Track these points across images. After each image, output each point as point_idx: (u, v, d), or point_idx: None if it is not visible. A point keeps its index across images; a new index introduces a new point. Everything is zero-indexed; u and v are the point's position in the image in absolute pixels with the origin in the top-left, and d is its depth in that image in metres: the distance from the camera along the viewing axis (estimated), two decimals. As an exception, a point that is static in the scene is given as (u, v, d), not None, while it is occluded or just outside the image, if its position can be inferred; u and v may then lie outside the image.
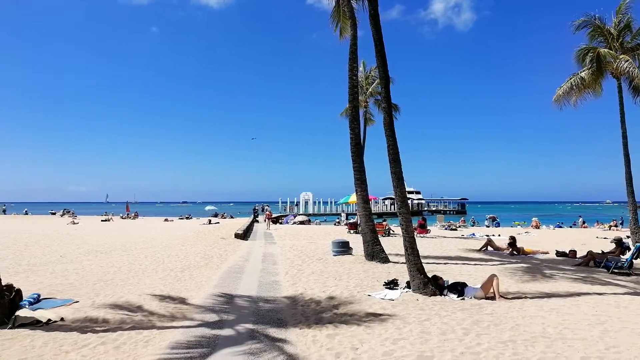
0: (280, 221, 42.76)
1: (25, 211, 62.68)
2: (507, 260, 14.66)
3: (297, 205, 61.32)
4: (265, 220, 35.35)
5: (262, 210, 52.36)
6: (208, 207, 66.26)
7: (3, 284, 7.10)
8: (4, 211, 61.36)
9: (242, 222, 33.96)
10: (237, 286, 9.95)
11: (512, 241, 16.89)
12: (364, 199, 14.63)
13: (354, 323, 6.84)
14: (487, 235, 23.51)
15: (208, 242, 20.19)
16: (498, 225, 38.30)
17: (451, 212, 73.94)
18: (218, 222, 38.54)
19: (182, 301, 8.38)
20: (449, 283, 9.24)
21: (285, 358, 5.35)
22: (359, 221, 18.17)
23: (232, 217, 52.26)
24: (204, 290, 9.46)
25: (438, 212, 68.15)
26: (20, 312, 6.88)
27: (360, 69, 28.33)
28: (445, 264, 13.43)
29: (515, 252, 16.40)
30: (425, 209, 75.44)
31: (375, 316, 7.25)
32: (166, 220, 44.01)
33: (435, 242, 21.24)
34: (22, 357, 5.31)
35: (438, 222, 36.38)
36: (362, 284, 10.12)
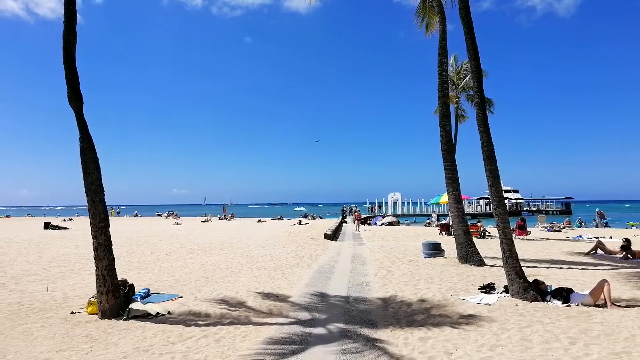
0: (368, 222, 42.68)
1: (136, 213, 68.99)
2: (620, 265, 13.28)
3: (380, 207, 60.58)
4: (354, 222, 35.52)
5: (350, 212, 52.60)
6: (298, 208, 68.01)
7: (119, 279, 7.84)
8: (118, 213, 68.02)
9: (330, 223, 34.41)
10: (328, 286, 10.08)
11: (627, 244, 15.27)
12: (457, 199, 14.10)
13: (447, 327, 6.61)
14: (597, 237, 21.49)
15: (299, 242, 20.71)
16: (607, 225, 34.86)
17: (554, 212, 68.76)
18: (308, 223, 39.41)
19: (276, 299, 8.68)
20: (553, 288, 8.58)
21: (377, 359, 5.31)
22: (451, 222, 17.54)
23: (321, 218, 53.16)
24: (296, 288, 9.71)
25: (539, 212, 63.66)
26: (133, 305, 7.55)
27: (451, 62, 27.31)
28: (547, 268, 12.50)
29: (629, 256, 14.79)
30: (525, 209, 70.85)
31: (470, 321, 6.94)
32: (259, 221, 45.91)
33: (536, 244, 19.86)
34: (136, 346, 5.83)
35: (539, 223, 33.95)
36: (455, 287, 9.75)
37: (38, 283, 10.24)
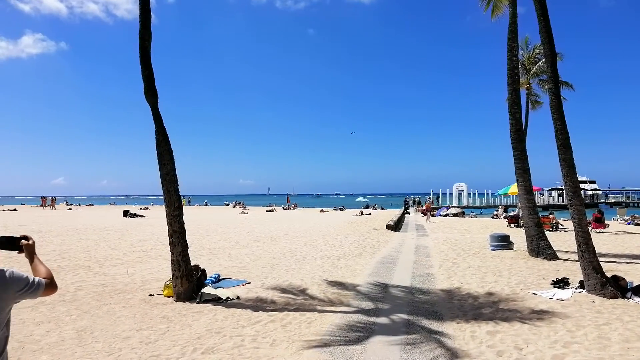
0: (432, 213, 41.81)
1: (205, 202, 72.06)
2: None
3: (437, 198, 58.84)
4: (422, 213, 34.84)
5: (414, 203, 51.67)
6: (359, 199, 67.87)
7: (191, 264, 8.28)
8: (189, 202, 71.34)
9: (393, 214, 34.10)
10: (391, 276, 10.06)
11: None
12: (527, 190, 13.47)
13: (517, 321, 6.40)
14: (686, 232, 19.71)
15: (361, 232, 20.75)
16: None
17: (636, 205, 63.73)
18: (370, 214, 39.30)
19: (339, 287, 8.79)
20: (634, 285, 8.02)
21: (443, 351, 5.26)
22: (520, 214, 16.80)
23: (382, 209, 52.76)
24: (359, 278, 9.78)
25: (618, 204, 59.17)
26: (205, 290, 7.97)
27: (521, 44, 25.86)
28: (628, 263, 11.67)
29: None
30: (602, 200, 66.12)
31: (542, 316, 6.67)
32: (322, 211, 46.42)
33: (615, 238, 18.56)
34: (209, 328, 6.16)
35: (619, 215, 31.62)
36: (525, 281, 9.38)
37: (119, 267, 11.05)
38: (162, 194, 8.04)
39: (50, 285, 2.48)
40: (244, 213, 40.82)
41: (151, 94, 7.91)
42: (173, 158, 8.02)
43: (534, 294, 8.15)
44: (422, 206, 45.85)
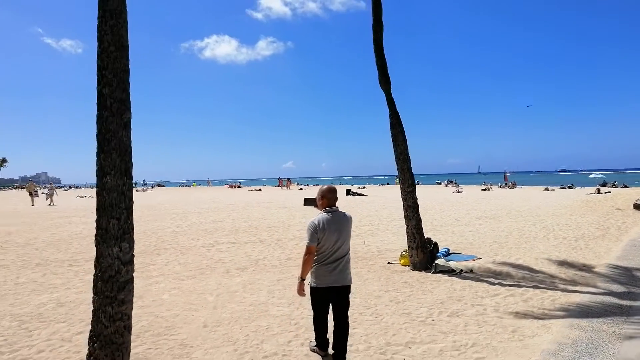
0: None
1: (417, 182, 73.04)
2: None
3: None
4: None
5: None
6: (593, 175, 59.41)
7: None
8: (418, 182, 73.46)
9: (641, 192, 28.93)
10: (647, 261, 8.86)
11: None
12: None
13: None
14: None
15: (600, 212, 18.40)
16: None
17: None
18: (609, 192, 34.14)
19: (582, 269, 8.21)
20: None
21: None
22: None
23: (625, 186, 45.09)
24: (604, 260, 8.90)
25: None
26: (439, 261, 8.45)
27: None
28: None
29: None
30: None
31: None
32: (546, 189, 42.33)
33: None
34: (449, 295, 6.62)
35: None
36: None
37: (355, 238, 12.40)
38: (397, 172, 8.78)
39: None
40: (458, 192, 40.15)
41: (385, 82, 8.66)
42: (406, 139, 8.66)
43: None
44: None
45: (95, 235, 3.92)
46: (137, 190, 61.63)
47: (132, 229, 4.00)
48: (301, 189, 61.35)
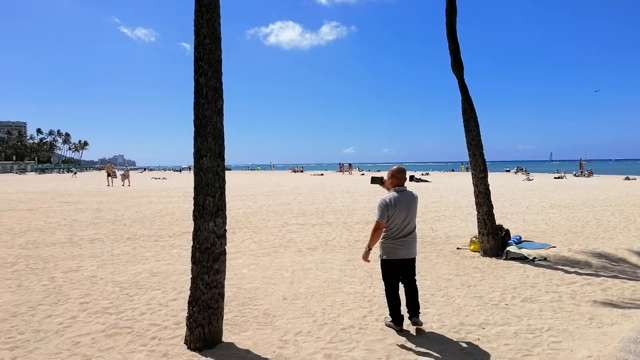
0: None
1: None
2: None
3: None
4: None
5: None
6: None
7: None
8: (467, 169, 71.29)
9: None
10: None
11: None
12: None
13: None
14: None
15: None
16: None
17: None
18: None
19: (668, 261, 7.80)
20: None
21: None
22: None
23: None
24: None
25: None
26: (510, 248, 8.35)
27: None
28: None
29: None
30: None
31: None
32: (627, 178, 39.50)
33: None
34: (522, 282, 6.58)
35: None
36: None
37: (421, 223, 12.40)
38: (468, 158, 8.72)
39: None
40: (529, 180, 38.45)
41: (457, 67, 8.57)
42: (478, 125, 8.55)
43: None
44: None
45: (193, 211, 4.34)
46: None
47: (225, 207, 4.39)
48: (363, 174, 61.41)
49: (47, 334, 4.65)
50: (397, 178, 4.62)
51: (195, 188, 4.31)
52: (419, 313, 4.70)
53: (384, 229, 4.52)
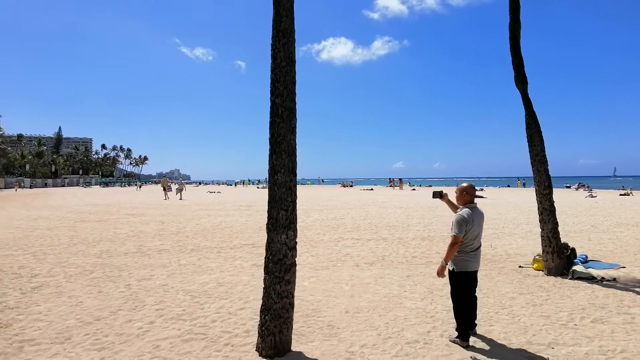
0: None
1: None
2: None
3: None
4: None
5: None
6: None
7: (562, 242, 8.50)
8: (524, 184, 68.77)
9: None
10: None
11: None
12: None
13: None
14: None
15: None
16: None
17: None
18: None
19: None
20: None
21: None
22: None
23: None
24: None
25: None
26: (577, 267, 8.06)
27: None
28: None
29: None
30: None
31: None
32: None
33: None
34: (591, 302, 6.36)
35: None
36: None
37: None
38: (532, 173, 8.56)
39: None
40: (592, 197, 36.59)
41: (521, 81, 8.49)
42: (542, 140, 8.39)
43: None
44: None
45: (267, 224, 4.60)
46: (263, 187, 65.98)
47: (296, 220, 4.62)
48: (414, 189, 60.56)
49: (129, 337, 5.02)
50: (471, 195, 4.85)
51: (269, 202, 4.57)
52: (475, 325, 5.00)
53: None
